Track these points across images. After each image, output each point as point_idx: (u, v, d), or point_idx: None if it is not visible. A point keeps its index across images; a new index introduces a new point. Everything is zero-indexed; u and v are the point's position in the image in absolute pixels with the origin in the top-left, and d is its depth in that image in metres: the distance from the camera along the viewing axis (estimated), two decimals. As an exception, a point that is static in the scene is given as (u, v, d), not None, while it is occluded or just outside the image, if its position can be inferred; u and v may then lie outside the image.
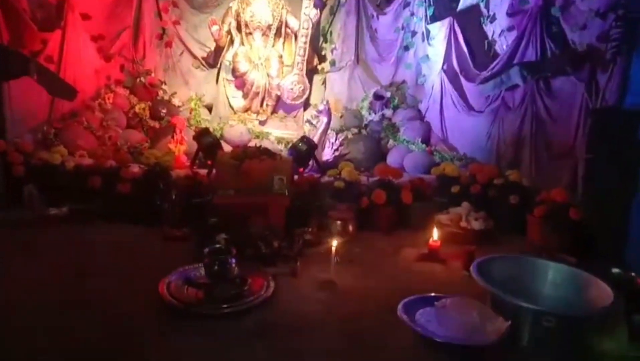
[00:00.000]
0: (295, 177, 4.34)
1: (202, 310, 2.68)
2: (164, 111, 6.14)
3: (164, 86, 6.51)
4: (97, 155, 4.62)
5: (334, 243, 3.27)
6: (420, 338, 2.39)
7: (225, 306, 2.69)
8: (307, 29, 6.11)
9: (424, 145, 5.79)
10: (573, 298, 2.71)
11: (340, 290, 3.07)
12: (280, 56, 6.37)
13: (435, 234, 3.71)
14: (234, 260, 2.90)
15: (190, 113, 6.30)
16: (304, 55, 6.20)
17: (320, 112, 5.71)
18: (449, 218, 4.09)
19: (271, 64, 6.28)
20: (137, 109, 6.08)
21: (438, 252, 3.65)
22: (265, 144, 5.82)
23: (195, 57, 6.77)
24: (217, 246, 3.03)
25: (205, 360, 2.29)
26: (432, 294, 2.76)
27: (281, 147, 5.76)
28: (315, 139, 5.18)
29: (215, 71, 6.61)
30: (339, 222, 3.97)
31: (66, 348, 2.33)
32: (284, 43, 6.47)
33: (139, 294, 2.86)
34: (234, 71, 6.28)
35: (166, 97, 6.41)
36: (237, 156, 3.84)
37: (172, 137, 5.38)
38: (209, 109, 6.53)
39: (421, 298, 2.69)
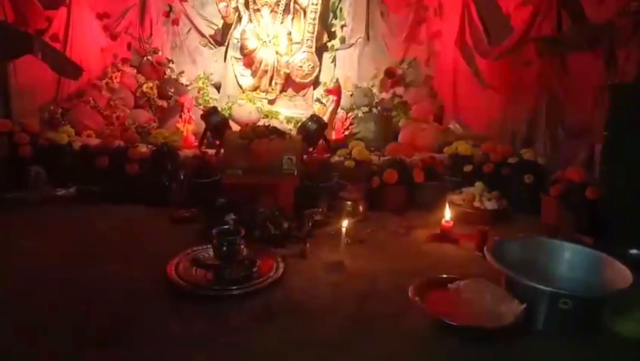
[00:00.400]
0: (305, 157, 4.27)
1: (210, 291, 2.65)
2: (172, 90, 6.07)
3: (171, 65, 6.43)
4: (104, 135, 4.57)
5: (344, 223, 3.21)
6: (432, 321, 2.34)
7: (234, 288, 2.66)
8: (317, 4, 5.95)
9: (436, 123, 5.69)
10: (590, 279, 2.66)
11: (350, 272, 3.03)
12: (289, 33, 6.22)
13: (448, 214, 3.66)
14: (242, 241, 2.86)
15: (199, 92, 6.22)
16: (313, 32, 6.06)
17: (329, 90, 5.58)
18: (461, 198, 4.04)
19: (280, 41, 6.15)
20: (144, 88, 6.01)
21: (450, 232, 3.60)
22: (274, 123, 5.75)
23: (202, 35, 6.66)
24: (226, 227, 2.98)
25: (212, 342, 2.26)
26: (444, 275, 2.71)
27: (290, 126, 5.66)
28: (325, 118, 5.08)
29: (223, 49, 6.48)
30: (349, 202, 3.92)
31: (69, 327, 2.32)
32: (292, 20, 6.29)
33: (146, 276, 2.84)
34: (242, 49, 6.15)
35: (174, 76, 6.33)
36: (246, 135, 3.78)
37: (180, 116, 5.31)
38: (217, 87, 6.43)
39: (434, 280, 2.63)
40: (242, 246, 2.87)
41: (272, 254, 3.07)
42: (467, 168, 4.39)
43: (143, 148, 4.30)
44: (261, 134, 3.79)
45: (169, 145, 4.19)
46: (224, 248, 2.83)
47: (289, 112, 6.07)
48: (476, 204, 3.97)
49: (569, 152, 4.28)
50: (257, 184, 3.68)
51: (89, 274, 2.86)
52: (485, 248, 2.75)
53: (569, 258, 2.83)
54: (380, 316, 2.50)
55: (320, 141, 4.57)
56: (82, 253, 3.14)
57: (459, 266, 3.10)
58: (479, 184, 4.13)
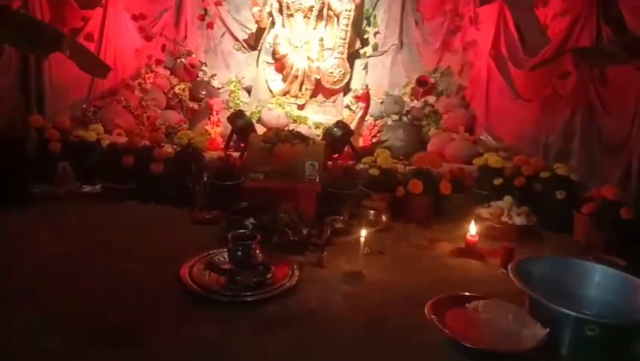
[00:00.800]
0: (329, 163, 4.21)
1: (222, 297, 2.60)
2: (204, 92, 6.11)
3: (204, 67, 6.46)
4: (132, 134, 4.59)
5: (363, 233, 3.11)
6: (448, 341, 2.22)
7: (246, 294, 2.61)
8: (350, 11, 5.90)
9: (467, 134, 5.55)
10: (620, 304, 2.50)
11: (367, 283, 2.94)
12: (321, 39, 6.18)
13: (474, 228, 3.53)
14: (258, 246, 2.81)
15: (230, 95, 6.25)
16: (345, 39, 6.01)
17: (358, 97, 5.51)
18: (489, 212, 3.89)
19: (312, 47, 6.11)
20: (177, 89, 6.05)
21: (475, 247, 3.48)
22: (302, 128, 5.73)
23: (236, 39, 6.68)
24: (241, 231, 2.93)
25: (220, 348, 2.21)
26: (466, 293, 2.59)
27: (318, 132, 5.60)
28: (353, 125, 5.01)
29: (256, 53, 6.48)
30: (372, 211, 3.83)
31: (80, 327, 2.30)
32: (325, 26, 6.25)
33: (161, 277, 2.81)
34: (273, 54, 6.14)
35: (206, 79, 6.38)
36: (269, 139, 3.75)
37: (209, 119, 5.31)
38: (249, 91, 6.44)
39: (453, 297, 2.51)
40: (258, 252, 2.82)
41: (288, 261, 3.00)
42: (497, 181, 4.25)
43: (168, 148, 4.31)
44: (284, 139, 3.75)
45: (193, 146, 4.17)
46: (239, 253, 2.78)
47: (317, 117, 6.02)
48: (504, 219, 3.81)
49: (604, 168, 4.13)
50: (278, 189, 3.67)
51: (104, 272, 2.84)
52: (509, 266, 2.61)
53: (599, 280, 2.67)
54: (394, 331, 2.40)
55: (346, 148, 4.47)
56: (100, 250, 3.13)
57: (481, 283, 2.97)
58: (508, 199, 3.98)
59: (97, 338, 2.22)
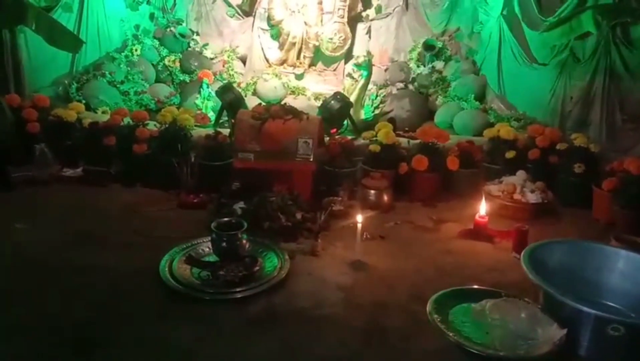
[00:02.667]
0: (326, 139, 4.03)
1: (203, 294, 2.42)
2: (195, 63, 5.94)
3: (195, 37, 6.26)
4: (116, 112, 4.39)
5: (359, 217, 2.91)
6: (452, 343, 2.02)
7: (229, 290, 2.44)
8: (350, -30, 5.68)
9: (477, 102, 5.40)
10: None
11: (365, 273, 2.77)
12: (320, 2, 5.96)
13: (484, 207, 3.36)
14: (245, 236, 2.66)
15: (223, 66, 6.07)
16: (345, 1, 5.85)
17: (359, 64, 5.28)
18: (500, 189, 3.71)
19: (309, 11, 5.91)
20: (166, 61, 5.92)
21: (485, 229, 3.31)
22: (301, 100, 5.56)
23: (229, 4, 6.43)
24: (226, 220, 2.74)
25: (198, 350, 2.06)
26: (474, 286, 2.39)
27: (318, 103, 5.40)
28: (353, 96, 4.78)
29: (250, 19, 6.28)
30: (372, 191, 3.68)
31: (45, 326, 2.18)
32: None
33: (139, 268, 2.69)
34: (269, 19, 5.97)
35: (198, 49, 6.18)
36: (258, 115, 3.55)
37: (199, 92, 5.11)
38: (244, 61, 6.27)
39: (458, 292, 2.31)
40: (244, 242, 2.67)
41: (278, 251, 2.82)
42: (509, 154, 4.07)
43: (152, 127, 4.12)
44: (275, 114, 3.54)
45: (178, 124, 3.96)
46: (223, 244, 2.65)
47: (317, 87, 5.85)
48: (517, 196, 3.63)
49: (627, 139, 4.00)
50: (270, 170, 3.50)
51: (78, 263, 2.72)
52: (522, 253, 2.40)
53: (623, 267, 2.49)
54: (393, 330, 2.22)
55: (345, 121, 4.27)
56: (77, 239, 3.02)
57: (492, 271, 2.81)
58: (521, 173, 3.81)
59: (64, 340, 2.09)
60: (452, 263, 2.92)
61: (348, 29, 5.94)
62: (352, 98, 4.75)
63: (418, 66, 6.05)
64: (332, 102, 4.29)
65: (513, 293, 2.31)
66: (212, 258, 2.70)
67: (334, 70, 6.09)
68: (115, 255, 2.81)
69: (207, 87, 5.22)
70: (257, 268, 2.60)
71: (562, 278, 2.27)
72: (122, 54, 5.63)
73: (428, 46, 6.06)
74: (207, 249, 2.78)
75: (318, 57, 6.04)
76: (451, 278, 2.64)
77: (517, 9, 5.30)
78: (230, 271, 2.51)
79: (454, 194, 3.92)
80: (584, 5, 4.34)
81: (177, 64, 5.91)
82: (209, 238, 2.76)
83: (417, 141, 4.17)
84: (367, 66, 5.14)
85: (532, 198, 3.61)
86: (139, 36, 5.91)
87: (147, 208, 3.55)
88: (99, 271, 2.63)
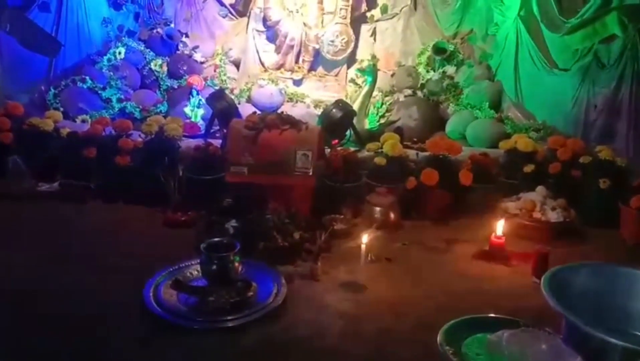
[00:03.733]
0: (327, 151, 4.07)
1: (191, 323, 2.42)
2: (184, 68, 5.95)
3: (184, 39, 6.28)
4: (97, 121, 4.42)
5: (364, 238, 2.92)
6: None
7: (220, 319, 2.44)
8: (353, -33, 5.77)
9: (492, 111, 5.42)
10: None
11: (369, 300, 2.78)
12: (321, 1, 6.02)
13: (500, 226, 3.37)
14: (237, 258, 2.66)
15: (215, 71, 6.11)
16: (348, 1, 5.89)
17: (362, 69, 5.32)
18: (518, 206, 3.72)
19: (309, 11, 5.97)
20: (152, 65, 5.93)
21: (502, 250, 3.32)
22: (300, 107, 5.61)
23: (221, 3, 6.48)
24: (217, 240, 2.75)
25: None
26: (490, 315, 2.39)
27: (318, 112, 5.44)
28: (357, 103, 4.83)
29: (245, 20, 6.34)
30: (378, 208, 3.68)
31: (17, 356, 2.20)
32: None
33: (121, 293, 2.69)
34: (264, 20, 6.02)
35: (187, 52, 6.19)
36: (253, 125, 3.58)
37: (189, 99, 5.16)
38: (237, 65, 6.31)
39: (472, 321, 2.31)
40: (237, 265, 2.68)
41: (274, 274, 2.83)
42: (528, 168, 4.09)
43: (137, 137, 4.16)
44: (271, 124, 3.57)
45: (165, 134, 3.99)
46: (214, 267, 2.65)
47: (317, 94, 5.90)
48: (536, 214, 3.64)
49: None
50: (265, 185, 3.52)
51: (55, 288, 2.73)
52: (543, 278, 2.39)
53: None
54: (401, 364, 2.21)
55: (348, 132, 4.32)
56: (54, 261, 3.03)
57: (509, 297, 2.81)
58: (540, 189, 3.81)
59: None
60: (466, 288, 2.92)
61: (351, 31, 5.98)
62: (356, 106, 4.77)
63: (427, 71, 6.08)
64: (334, 110, 4.31)
65: (533, 323, 2.30)
66: (201, 283, 2.70)
67: (336, 75, 6.13)
68: (96, 279, 2.82)
69: (197, 94, 5.25)
70: (251, 293, 2.60)
71: (587, 306, 2.24)
72: (105, 57, 5.65)
73: (438, 49, 6.09)
74: (196, 272, 2.79)
75: (318, 61, 6.08)
76: (464, 305, 2.64)
77: (535, 10, 5.33)
78: (221, 297, 2.52)
79: (467, 212, 3.92)
80: (608, 6, 4.36)
81: (165, 69, 5.92)
82: (198, 260, 2.76)
83: (427, 153, 4.19)
84: (371, 71, 5.17)
85: (553, 216, 3.61)
86: (123, 38, 5.94)
87: (131, 227, 3.57)
88: (77, 296, 2.64)
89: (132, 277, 2.78)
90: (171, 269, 2.82)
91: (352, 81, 6.12)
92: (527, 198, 3.77)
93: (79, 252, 3.16)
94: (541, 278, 2.40)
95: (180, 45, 6.21)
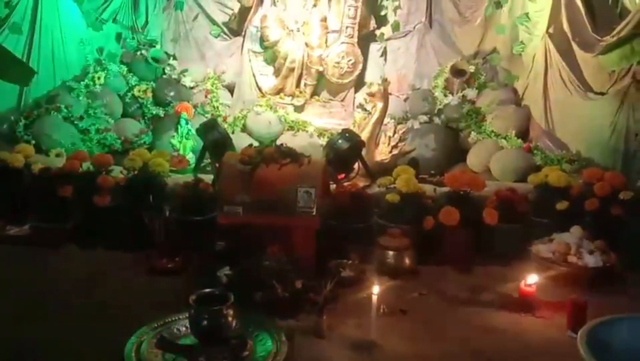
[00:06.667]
0: (333, 187, 4.11)
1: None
2: (172, 93, 6.09)
3: (172, 61, 6.46)
4: (73, 155, 4.48)
5: (375, 287, 2.94)
6: None
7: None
8: (360, -20, 5.92)
9: (519, 140, 5.51)
10: None
11: (383, 359, 2.75)
12: (324, 19, 6.19)
13: (531, 273, 3.36)
14: (231, 312, 2.64)
15: (206, 97, 6.24)
16: (355, 17, 6.02)
17: (372, 94, 5.40)
18: (551, 249, 3.72)
19: (312, 29, 6.11)
20: (136, 91, 6.06)
21: (533, 300, 3.30)
22: (302, 137, 5.67)
23: (214, 21, 6.67)
24: (208, 290, 2.75)
25: None
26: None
27: (322, 141, 5.53)
28: (366, 132, 4.89)
29: (239, 40, 6.53)
30: (391, 252, 3.69)
31: None
32: (329, 1, 6.27)
33: (101, 351, 2.67)
34: (262, 40, 6.17)
35: (175, 76, 6.35)
36: (249, 159, 3.61)
37: (176, 129, 5.23)
38: (231, 90, 6.46)
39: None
40: (230, 319, 2.65)
41: (273, 330, 2.82)
42: (561, 205, 4.11)
43: (118, 174, 4.23)
44: (269, 158, 3.60)
45: (150, 171, 4.05)
46: (204, 323, 2.62)
47: (321, 122, 6.01)
48: (572, 258, 3.63)
49: None
50: (262, 227, 3.51)
51: (26, 344, 2.72)
52: (580, 332, 2.40)
53: None
54: None
55: (356, 165, 4.40)
56: (25, 314, 3.03)
57: (542, 355, 2.81)
58: (576, 229, 3.81)
59: None
60: (492, 344, 2.91)
61: (359, 51, 6.10)
62: (364, 135, 4.83)
63: (445, 95, 6.19)
64: (340, 141, 4.38)
65: (569, 385, 2.31)
66: (190, 340, 2.68)
67: (342, 100, 6.25)
68: (71, 335, 2.82)
69: (186, 123, 5.34)
70: (247, 353, 2.59)
71: (632, 367, 2.25)
72: (82, 83, 5.79)
73: (457, 71, 6.20)
74: (184, 328, 2.76)
75: (322, 85, 6.21)
76: (491, 363, 2.62)
77: (565, 26, 5.45)
78: (213, 358, 2.52)
79: (492, 256, 3.94)
80: (647, 23, 4.46)
81: (149, 95, 6.06)
82: (187, 315, 2.77)
83: (446, 189, 4.21)
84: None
85: (591, 260, 3.60)
86: (103, 61, 6.09)
87: (111, 275, 3.59)
88: (51, 355, 2.65)
89: (112, 333, 2.77)
90: (156, 324, 2.82)
91: (361, 106, 6.22)
92: (560, 239, 3.77)
93: (53, 303, 3.17)
94: (578, 332, 2.41)
95: (167, 68, 6.35)
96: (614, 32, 4.77)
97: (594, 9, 5.25)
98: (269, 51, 6.12)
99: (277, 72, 6.16)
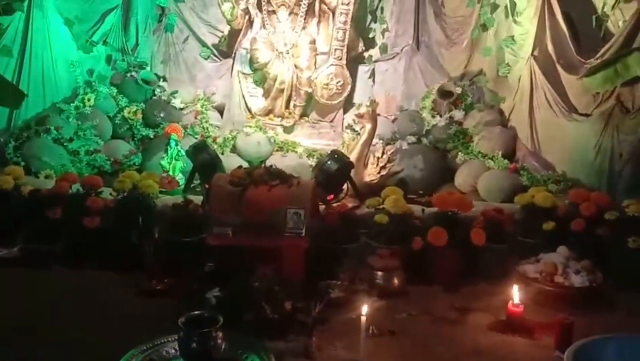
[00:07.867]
0: (322, 208, 4.12)
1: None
2: (162, 115, 6.10)
3: (162, 83, 6.47)
4: (63, 177, 4.49)
5: (364, 308, 2.94)
6: None
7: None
8: (348, 4, 5.91)
9: (506, 161, 5.52)
10: None
11: (372, 380, 2.76)
12: (313, 41, 6.19)
13: (517, 293, 3.37)
14: (220, 334, 2.63)
15: (196, 118, 6.25)
16: (343, 40, 6.01)
17: (361, 115, 5.43)
18: (538, 269, 3.74)
19: (301, 52, 6.11)
20: (125, 112, 6.05)
21: (521, 320, 3.32)
22: (291, 157, 5.68)
23: (204, 43, 6.72)
24: (197, 313, 2.75)
25: None
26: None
27: (311, 162, 5.52)
28: (354, 154, 4.90)
29: (229, 62, 6.55)
30: (380, 273, 3.72)
31: None
32: (318, 24, 6.30)
33: None
34: (251, 62, 6.16)
35: (164, 97, 6.35)
36: (238, 180, 3.64)
37: (166, 151, 5.23)
38: (221, 111, 6.47)
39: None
40: (220, 341, 2.64)
41: (262, 351, 2.80)
42: (547, 226, 4.12)
43: (107, 196, 4.23)
44: (259, 179, 3.63)
45: (140, 192, 4.06)
46: (193, 345, 2.61)
47: (310, 142, 5.99)
48: (558, 278, 3.65)
49: None
50: (252, 248, 3.56)
51: None
52: (567, 353, 2.41)
53: None
54: None
55: (345, 187, 4.40)
56: (13, 336, 3.03)
57: None
58: (562, 250, 3.84)
59: None
60: (481, 364, 2.92)
61: (347, 73, 6.10)
62: (353, 156, 4.84)
63: (433, 116, 6.19)
64: (329, 162, 4.40)
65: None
66: (179, 363, 2.68)
67: (331, 121, 6.25)
68: (60, 357, 2.84)
69: (176, 145, 5.31)
70: (236, 376, 2.60)
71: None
72: (72, 104, 5.78)
73: (444, 92, 6.22)
74: (174, 351, 2.73)
75: (311, 106, 6.21)
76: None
77: (550, 49, 5.49)
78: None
79: (480, 276, 3.95)
80: (630, 46, 4.49)
81: (139, 116, 6.06)
82: (176, 337, 2.76)
83: (434, 209, 4.23)
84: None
85: (578, 280, 3.62)
86: (93, 83, 6.08)
87: (100, 296, 3.59)
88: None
89: (101, 355, 2.77)
90: (145, 347, 2.80)
91: (349, 127, 6.23)
92: (547, 259, 3.79)
93: (41, 325, 3.16)
94: (565, 353, 2.42)
95: (157, 90, 6.35)
96: (598, 54, 4.83)
97: (578, 32, 5.30)
98: (259, 73, 6.12)
99: (266, 94, 6.16)
